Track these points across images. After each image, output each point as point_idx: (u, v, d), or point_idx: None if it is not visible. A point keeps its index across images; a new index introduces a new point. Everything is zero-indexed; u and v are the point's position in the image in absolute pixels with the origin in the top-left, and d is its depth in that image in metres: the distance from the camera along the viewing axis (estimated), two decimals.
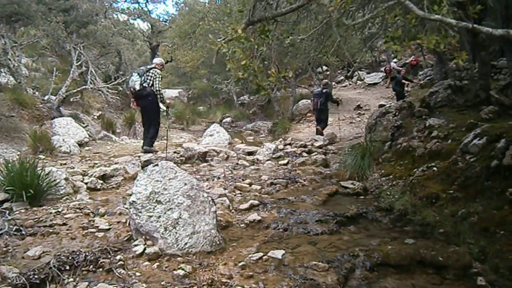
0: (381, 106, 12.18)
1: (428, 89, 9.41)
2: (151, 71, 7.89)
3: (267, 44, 3.78)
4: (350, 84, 22.54)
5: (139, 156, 8.20)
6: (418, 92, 13.14)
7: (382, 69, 19.03)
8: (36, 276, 3.19)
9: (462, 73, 10.02)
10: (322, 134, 11.20)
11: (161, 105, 8.25)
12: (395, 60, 18.27)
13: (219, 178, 6.74)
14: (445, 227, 4.30)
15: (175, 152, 8.92)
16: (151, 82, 7.82)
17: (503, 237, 3.73)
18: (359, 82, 22.11)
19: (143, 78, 7.85)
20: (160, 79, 7.91)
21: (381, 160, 6.80)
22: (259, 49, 3.63)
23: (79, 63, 13.33)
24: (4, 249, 3.73)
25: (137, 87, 7.78)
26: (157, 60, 8.47)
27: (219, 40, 3.75)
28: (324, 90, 11.37)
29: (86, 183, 6.26)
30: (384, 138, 7.33)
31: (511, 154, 4.14)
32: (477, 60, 7.18)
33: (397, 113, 7.61)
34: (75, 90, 12.66)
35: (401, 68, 15.38)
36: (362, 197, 5.82)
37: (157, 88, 7.83)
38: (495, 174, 4.30)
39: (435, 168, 5.27)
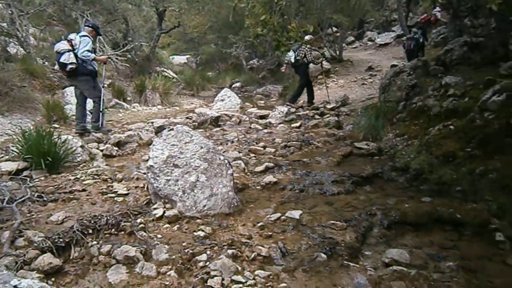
0: (393, 66, 11.93)
1: (442, 47, 9.17)
2: (302, 47, 10.37)
3: None
4: (360, 45, 22.05)
5: (152, 123, 8.23)
6: (431, 51, 12.81)
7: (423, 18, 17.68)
8: (61, 240, 3.27)
9: (477, 30, 9.71)
10: None
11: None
12: (438, 9, 17.36)
13: (233, 142, 6.75)
14: (462, 185, 4.29)
15: (187, 118, 8.93)
16: (302, 55, 10.40)
17: None
18: (369, 43, 21.62)
19: (296, 53, 10.47)
20: (310, 52, 10.52)
21: (395, 120, 6.72)
22: (279, 3, 3.52)
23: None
24: (28, 215, 3.82)
25: (293, 60, 10.61)
26: (306, 37, 10.25)
27: None
28: (416, 36, 12.72)
29: (101, 150, 6.32)
30: (398, 98, 7.21)
31: None
32: (495, 15, 6.93)
33: (411, 72, 7.45)
34: None
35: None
36: (376, 157, 5.80)
37: (310, 59, 10.55)
38: None
39: (451, 127, 5.20)
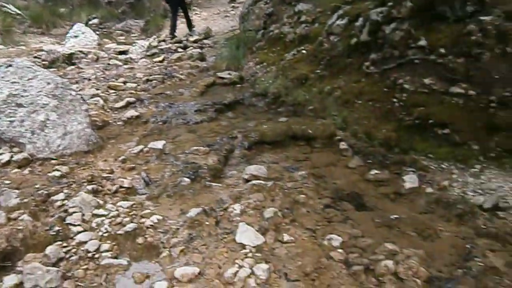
0: None
1: None
2: None
3: None
4: None
5: None
6: None
7: None
8: None
9: None
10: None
11: None
12: None
13: (90, 79, 6.28)
14: (313, 103, 4.66)
15: (35, 57, 7.98)
16: None
17: (360, 107, 4.19)
18: None
19: None
20: None
21: (255, 48, 6.89)
22: None
23: None
24: None
25: None
26: None
27: None
28: None
29: None
30: (257, 27, 7.35)
31: (367, 31, 4.47)
32: None
33: (268, 1, 7.58)
34: None
35: None
36: (238, 85, 5.94)
37: None
38: (355, 51, 4.65)
39: (304, 51, 5.52)
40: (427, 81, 3.72)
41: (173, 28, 10.38)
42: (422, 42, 3.81)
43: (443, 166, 3.39)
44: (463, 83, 3.51)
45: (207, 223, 2.74)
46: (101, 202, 2.96)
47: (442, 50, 3.65)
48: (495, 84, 3.35)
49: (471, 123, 3.41)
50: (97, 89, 5.64)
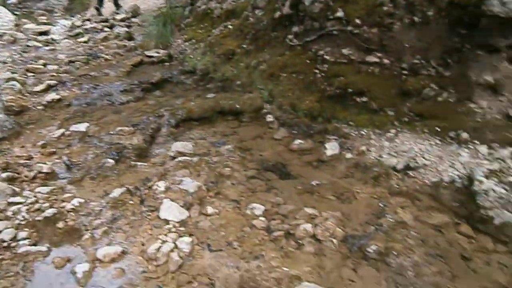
0: None
1: None
2: None
3: None
4: None
5: None
6: None
7: None
8: None
9: None
10: None
11: None
12: None
13: (5, 63, 5.87)
14: (241, 78, 4.68)
15: None
16: None
17: (285, 79, 4.26)
18: None
19: None
20: None
21: (183, 25, 6.77)
22: None
23: None
24: None
25: None
26: None
27: None
28: None
29: None
30: (184, 3, 7.21)
31: (289, 4, 4.52)
32: None
33: None
34: None
35: None
36: (167, 63, 5.81)
37: None
38: (279, 25, 4.69)
39: (230, 26, 5.50)
40: (345, 51, 3.85)
41: (100, 6, 9.90)
42: (340, 14, 3.92)
43: (363, 132, 3.55)
44: (378, 52, 3.67)
45: (131, 202, 2.73)
46: (17, 189, 2.84)
47: (358, 21, 3.78)
48: (405, 52, 3.54)
49: (386, 90, 3.59)
50: (14, 73, 5.29)
